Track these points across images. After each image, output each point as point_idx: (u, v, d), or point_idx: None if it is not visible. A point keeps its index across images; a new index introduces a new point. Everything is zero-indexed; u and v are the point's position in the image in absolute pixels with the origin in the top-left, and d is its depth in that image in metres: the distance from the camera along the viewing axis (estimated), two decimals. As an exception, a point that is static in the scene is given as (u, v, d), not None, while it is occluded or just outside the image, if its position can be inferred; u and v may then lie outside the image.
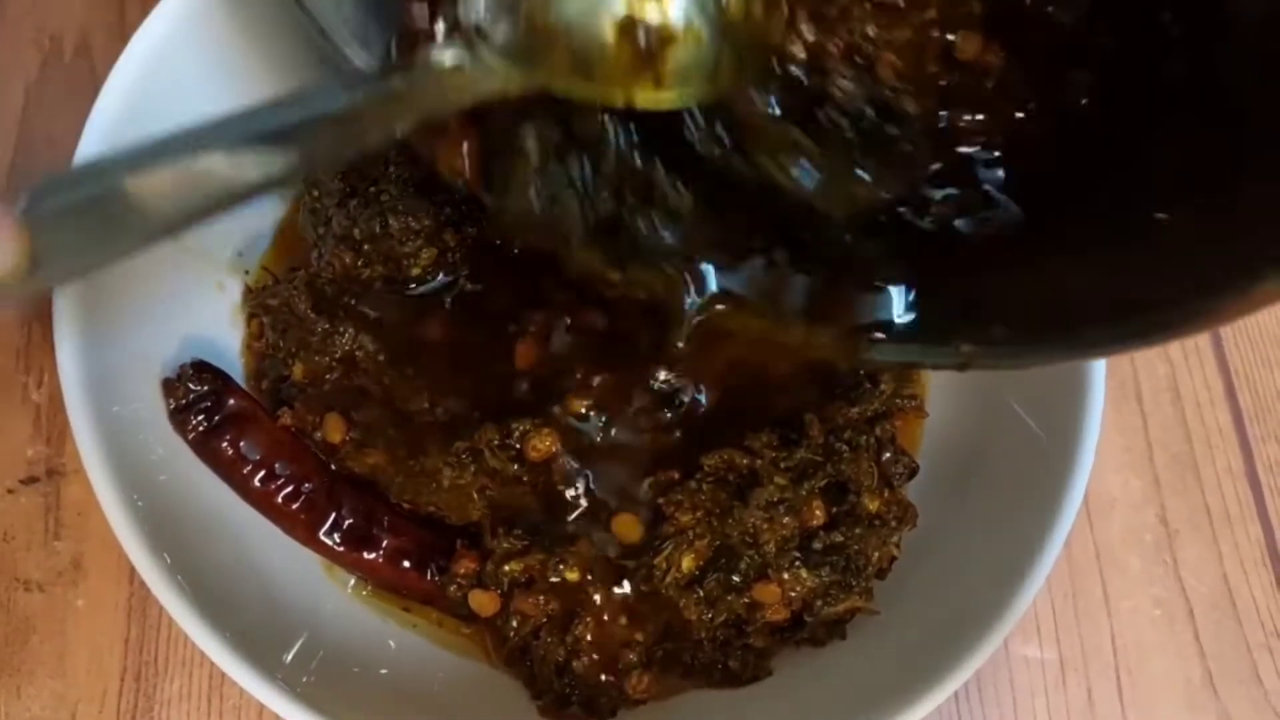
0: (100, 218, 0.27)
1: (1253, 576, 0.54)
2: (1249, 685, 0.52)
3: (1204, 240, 0.32)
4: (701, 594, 0.44)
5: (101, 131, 0.43)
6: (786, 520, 0.44)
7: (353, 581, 0.48)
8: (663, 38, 0.33)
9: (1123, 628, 0.53)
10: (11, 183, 0.56)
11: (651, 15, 0.33)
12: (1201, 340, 0.58)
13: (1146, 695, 0.52)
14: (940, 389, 0.52)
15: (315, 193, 0.50)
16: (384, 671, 0.46)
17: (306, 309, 0.48)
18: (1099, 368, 0.44)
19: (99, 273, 0.27)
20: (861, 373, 0.48)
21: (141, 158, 0.28)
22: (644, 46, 0.33)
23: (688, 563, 0.44)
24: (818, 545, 0.44)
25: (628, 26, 0.33)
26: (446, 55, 0.33)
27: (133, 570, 0.49)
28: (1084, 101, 0.37)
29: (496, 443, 0.46)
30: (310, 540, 0.46)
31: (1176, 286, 0.31)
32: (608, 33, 0.33)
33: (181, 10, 0.44)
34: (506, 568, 0.45)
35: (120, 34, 0.59)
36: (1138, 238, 0.34)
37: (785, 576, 0.44)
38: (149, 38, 0.44)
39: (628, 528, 0.45)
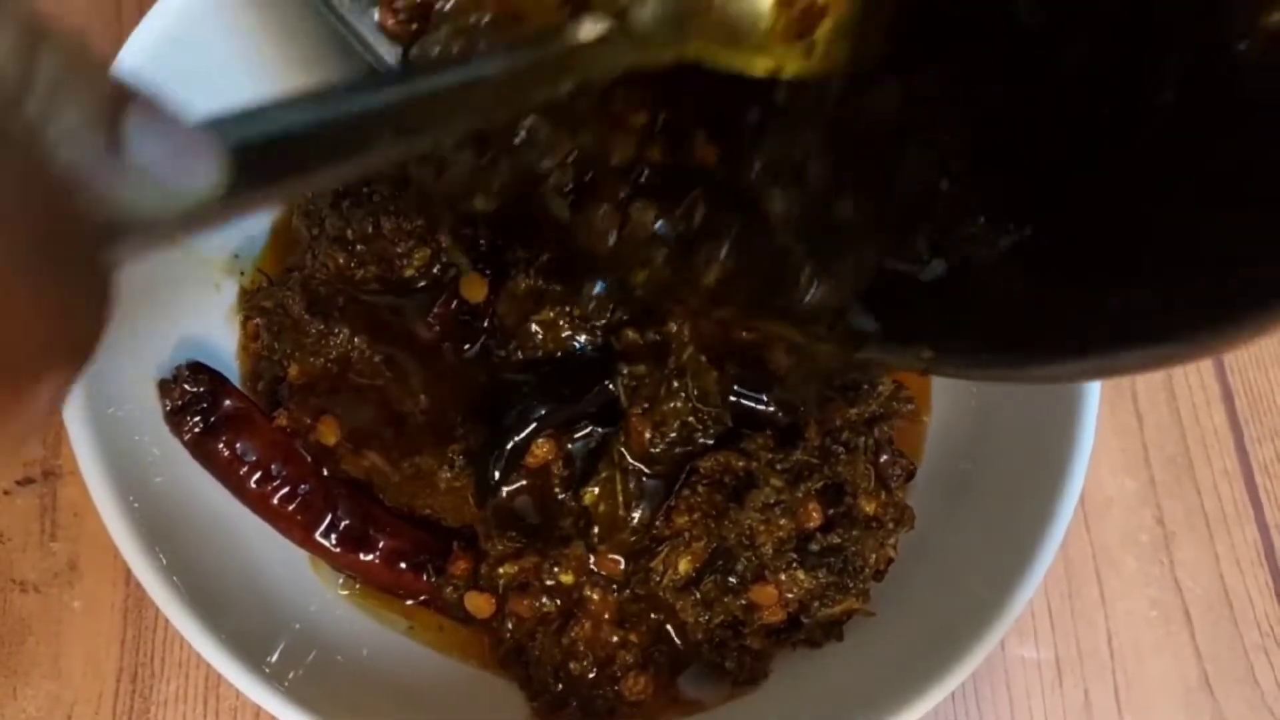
0: (299, 150, 0.25)
1: (1249, 577, 0.54)
2: (1245, 686, 0.52)
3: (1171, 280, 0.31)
4: (698, 596, 0.44)
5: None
6: (783, 522, 0.44)
7: (342, 580, 0.48)
8: (818, 6, 0.34)
9: (1119, 628, 0.53)
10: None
11: None
12: (1198, 341, 0.58)
13: (1143, 696, 0.52)
14: (937, 392, 0.52)
15: (309, 193, 0.50)
16: (380, 673, 0.46)
17: (301, 310, 0.48)
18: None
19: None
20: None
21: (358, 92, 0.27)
22: (799, 15, 0.34)
23: (684, 565, 0.44)
24: (814, 547, 0.44)
25: None
26: (594, 27, 0.32)
27: (129, 571, 0.49)
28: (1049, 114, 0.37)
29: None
30: (306, 541, 0.46)
31: (1143, 323, 0.31)
32: (764, 2, 0.33)
33: (178, 12, 0.44)
34: (501, 570, 0.45)
35: (116, 36, 0.59)
36: (1103, 272, 0.34)
37: (782, 578, 0.44)
38: (145, 39, 0.44)
39: (611, 564, 0.45)
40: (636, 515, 0.44)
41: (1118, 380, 0.57)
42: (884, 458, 0.46)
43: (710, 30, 0.34)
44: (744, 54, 0.35)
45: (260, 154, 0.24)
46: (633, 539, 0.45)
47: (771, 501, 0.44)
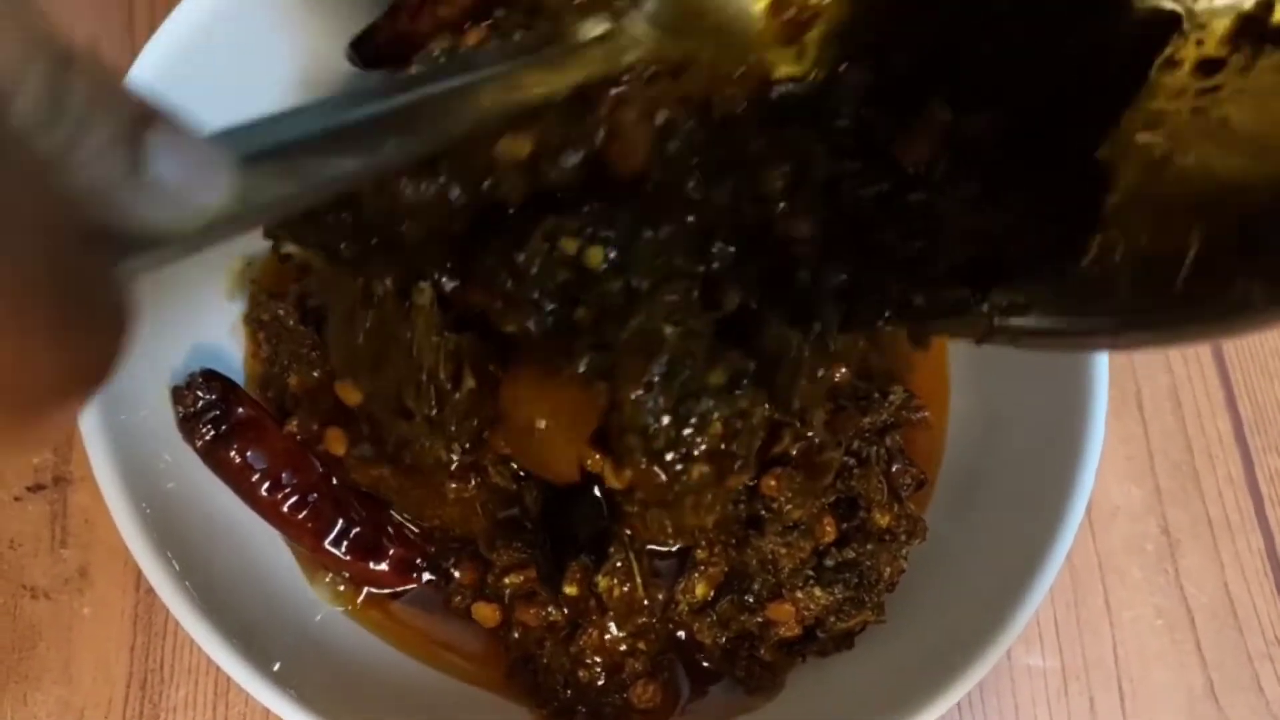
0: (309, 158, 0.26)
1: (1254, 585, 0.54)
2: (1250, 694, 0.52)
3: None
4: (715, 617, 0.44)
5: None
6: (804, 544, 0.44)
7: (343, 588, 0.48)
8: (809, 11, 0.35)
9: (1125, 637, 0.53)
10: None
11: None
12: (1202, 351, 0.59)
13: (1148, 704, 0.52)
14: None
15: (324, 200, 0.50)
16: (387, 678, 0.46)
17: (295, 323, 0.48)
18: (1101, 380, 0.44)
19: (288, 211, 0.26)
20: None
21: (361, 101, 0.28)
22: (791, 19, 0.35)
23: (701, 590, 0.44)
24: (830, 562, 0.44)
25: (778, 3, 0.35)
26: (594, 26, 0.34)
27: (139, 578, 0.49)
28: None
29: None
30: (317, 549, 0.46)
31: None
32: (758, 6, 0.35)
33: (193, 18, 0.45)
34: (507, 580, 0.45)
35: (129, 42, 0.59)
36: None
37: (799, 595, 0.44)
38: (160, 50, 0.44)
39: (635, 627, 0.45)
40: (659, 596, 0.44)
41: (1123, 388, 0.57)
42: (895, 467, 0.46)
43: (705, 33, 0.35)
44: (736, 53, 0.36)
45: (272, 163, 0.25)
46: (654, 620, 0.44)
47: (789, 523, 0.44)
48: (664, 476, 0.36)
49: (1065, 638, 0.53)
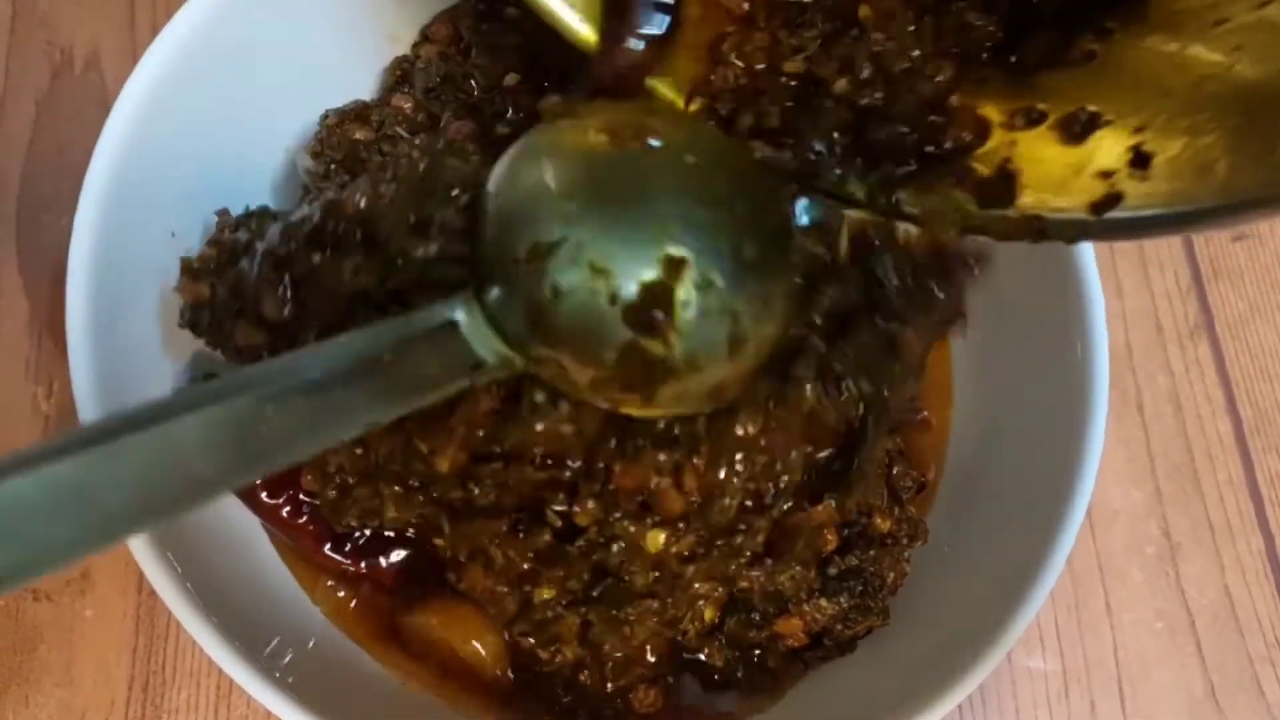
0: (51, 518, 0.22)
1: (1254, 588, 0.54)
2: (1251, 696, 0.52)
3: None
4: (723, 641, 0.44)
5: (115, 144, 0.43)
6: (810, 575, 0.43)
7: (342, 591, 0.48)
8: (663, 371, 0.31)
9: (1125, 640, 0.53)
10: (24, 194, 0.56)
11: (656, 349, 0.31)
12: (1202, 353, 0.59)
13: (1149, 707, 0.52)
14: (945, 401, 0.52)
15: None
16: (390, 683, 0.46)
17: None
18: (1102, 383, 0.44)
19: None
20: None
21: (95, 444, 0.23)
22: (641, 375, 0.31)
23: (710, 614, 0.44)
24: (833, 571, 0.44)
25: (629, 352, 0.31)
26: (447, 310, 0.31)
27: (141, 580, 0.50)
28: None
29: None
30: (317, 554, 0.46)
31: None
32: (609, 354, 0.31)
33: (194, 25, 0.45)
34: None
35: (130, 47, 0.59)
36: None
37: (805, 608, 0.44)
38: (162, 51, 0.44)
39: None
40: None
41: (1124, 390, 0.58)
42: (896, 470, 0.46)
43: (556, 359, 0.31)
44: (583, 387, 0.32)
45: (32, 518, 0.22)
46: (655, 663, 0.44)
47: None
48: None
49: (1066, 640, 0.53)
